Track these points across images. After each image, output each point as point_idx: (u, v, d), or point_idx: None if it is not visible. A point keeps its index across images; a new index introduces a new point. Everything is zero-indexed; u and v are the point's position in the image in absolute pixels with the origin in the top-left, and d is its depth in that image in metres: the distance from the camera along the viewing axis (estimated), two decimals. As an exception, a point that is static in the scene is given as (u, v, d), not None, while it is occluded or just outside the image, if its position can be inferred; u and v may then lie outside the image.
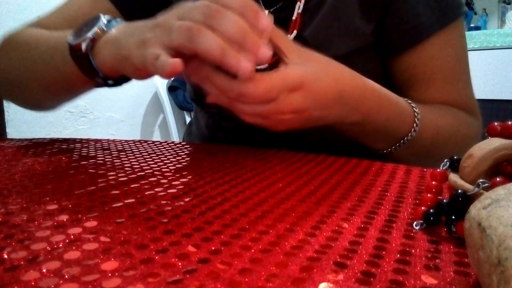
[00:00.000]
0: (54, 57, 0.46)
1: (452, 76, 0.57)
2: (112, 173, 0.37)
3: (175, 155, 0.46)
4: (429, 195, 0.26)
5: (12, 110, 1.86)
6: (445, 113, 0.54)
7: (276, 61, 0.54)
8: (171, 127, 2.15)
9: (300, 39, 0.54)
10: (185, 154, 0.47)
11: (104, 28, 0.41)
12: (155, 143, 0.54)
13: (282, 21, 0.55)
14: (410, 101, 0.48)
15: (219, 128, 0.64)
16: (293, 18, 0.55)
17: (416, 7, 0.53)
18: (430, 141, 0.49)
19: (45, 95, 0.53)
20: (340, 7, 0.54)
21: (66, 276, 0.17)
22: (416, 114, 0.46)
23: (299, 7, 0.54)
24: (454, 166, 0.26)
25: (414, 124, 0.46)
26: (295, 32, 0.54)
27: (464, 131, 0.55)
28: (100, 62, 0.41)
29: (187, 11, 0.35)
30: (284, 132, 0.59)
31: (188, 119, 2.19)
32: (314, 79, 0.38)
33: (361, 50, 0.55)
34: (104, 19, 0.41)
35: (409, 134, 0.46)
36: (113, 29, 0.41)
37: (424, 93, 0.56)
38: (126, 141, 0.56)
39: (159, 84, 2.12)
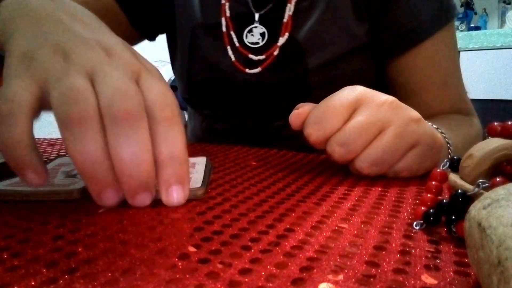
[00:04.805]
0: None
1: (447, 81, 0.57)
2: (112, 173, 0.37)
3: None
4: (429, 195, 0.26)
5: (12, 110, 1.85)
6: (457, 123, 0.54)
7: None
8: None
9: (292, 42, 0.54)
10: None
11: None
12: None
13: (273, 22, 0.55)
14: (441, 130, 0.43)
15: (213, 130, 0.64)
16: (284, 20, 0.54)
17: (413, 9, 0.53)
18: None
19: None
20: (334, 9, 0.53)
21: (66, 276, 0.17)
22: (449, 146, 0.42)
23: (290, 9, 0.54)
24: (454, 166, 0.26)
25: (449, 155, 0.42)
26: (286, 34, 0.54)
27: (474, 133, 0.56)
28: None
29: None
30: (280, 135, 0.59)
31: (188, 119, 2.18)
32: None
33: (354, 51, 0.55)
34: None
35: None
36: None
37: (423, 100, 0.56)
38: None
39: (159, 84, 2.12)
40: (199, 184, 0.30)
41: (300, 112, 0.35)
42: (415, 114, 0.35)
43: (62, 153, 0.47)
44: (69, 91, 0.23)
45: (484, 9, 2.57)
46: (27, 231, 0.23)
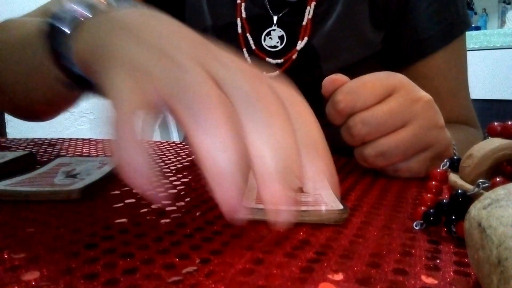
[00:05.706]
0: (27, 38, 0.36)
1: (456, 92, 0.57)
2: (112, 173, 0.37)
3: (176, 155, 0.46)
4: (429, 195, 0.26)
5: (12, 110, 1.85)
6: (460, 132, 0.54)
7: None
8: (171, 127, 2.14)
9: (308, 46, 0.53)
10: (186, 154, 0.47)
11: (112, 2, 0.28)
12: (156, 143, 0.54)
13: (291, 25, 0.54)
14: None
15: None
16: (304, 23, 0.53)
17: (425, 20, 0.52)
18: None
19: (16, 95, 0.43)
20: (351, 16, 0.53)
21: (66, 276, 0.17)
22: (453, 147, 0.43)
23: (309, 13, 0.53)
24: (454, 166, 0.26)
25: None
26: (306, 38, 0.53)
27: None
28: (80, 47, 0.27)
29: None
30: None
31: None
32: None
33: (368, 59, 0.54)
34: None
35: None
36: (125, 9, 0.27)
37: None
38: (126, 141, 0.56)
39: (159, 84, 2.12)
40: (338, 204, 0.25)
41: (337, 78, 0.35)
42: (441, 121, 0.36)
43: (62, 153, 0.47)
44: (190, 90, 0.19)
45: (484, 9, 2.57)
46: (27, 231, 0.23)
